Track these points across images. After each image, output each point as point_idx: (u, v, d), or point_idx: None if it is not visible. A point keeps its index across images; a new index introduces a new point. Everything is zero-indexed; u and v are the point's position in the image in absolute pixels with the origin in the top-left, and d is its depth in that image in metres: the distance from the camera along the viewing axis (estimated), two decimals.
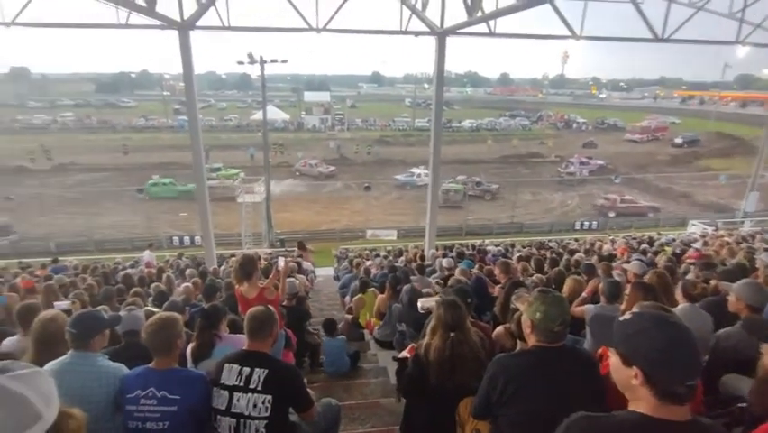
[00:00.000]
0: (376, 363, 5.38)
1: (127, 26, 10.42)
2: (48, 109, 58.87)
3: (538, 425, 1.90)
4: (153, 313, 4.16)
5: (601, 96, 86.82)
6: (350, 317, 6.55)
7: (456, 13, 10.88)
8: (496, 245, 13.10)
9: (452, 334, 2.60)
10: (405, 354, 3.26)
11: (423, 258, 10.89)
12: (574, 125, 57.66)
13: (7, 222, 22.41)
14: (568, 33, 11.45)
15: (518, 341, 3.05)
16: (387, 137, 47.80)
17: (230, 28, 10.96)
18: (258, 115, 33.93)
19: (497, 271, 5.49)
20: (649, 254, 8.31)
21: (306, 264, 11.12)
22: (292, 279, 6.50)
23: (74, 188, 29.12)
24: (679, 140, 46.06)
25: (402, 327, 5.00)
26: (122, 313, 3.64)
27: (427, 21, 11.47)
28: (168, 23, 10.45)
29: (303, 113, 55.43)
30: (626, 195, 27.44)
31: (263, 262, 8.50)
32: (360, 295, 6.23)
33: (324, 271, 14.09)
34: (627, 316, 1.33)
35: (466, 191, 26.90)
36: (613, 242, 12.77)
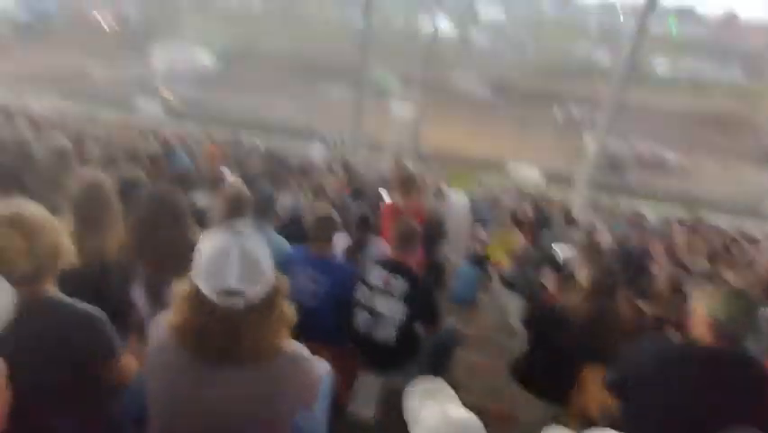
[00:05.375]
0: (497, 300, 5.37)
1: None
2: None
3: (678, 424, 1.78)
4: (313, 201, 4.68)
5: None
6: (480, 249, 6.54)
7: None
8: (657, 215, 11.51)
9: (605, 300, 2.43)
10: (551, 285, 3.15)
11: (567, 208, 10.14)
12: None
13: (200, 94, 26.46)
14: None
15: (672, 329, 2.76)
16: (560, 67, 42.96)
17: None
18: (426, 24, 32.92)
19: (657, 248, 4.87)
20: None
21: (445, 187, 11.17)
22: (432, 199, 6.62)
23: (256, 74, 32.49)
24: None
25: (533, 273, 4.84)
26: (286, 196, 4.14)
27: None
28: None
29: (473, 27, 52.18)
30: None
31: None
32: (504, 229, 6.15)
33: (460, 197, 13.99)
34: None
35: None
36: None
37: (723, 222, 12.35)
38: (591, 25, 61.71)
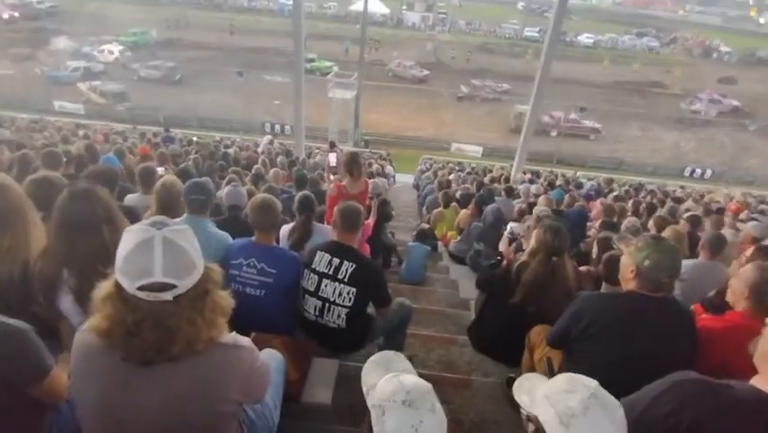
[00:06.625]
0: (446, 275, 5.51)
1: None
2: None
3: (617, 369, 1.86)
4: (254, 192, 4.53)
5: (761, 20, 67.77)
6: (426, 226, 6.66)
7: None
8: (589, 179, 12.24)
9: (554, 259, 2.55)
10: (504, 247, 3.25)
11: (507, 180, 10.54)
12: (714, 54, 47.22)
13: (123, 89, 24.56)
14: None
15: (604, 283, 2.94)
16: (489, 44, 43.99)
17: None
18: (357, 6, 32.37)
19: (596, 210, 5.17)
20: None
21: (389, 168, 11.24)
22: (376, 180, 6.63)
23: (183, 65, 30.72)
24: None
25: (480, 245, 5.01)
26: (226, 188, 3.98)
27: None
28: None
29: (404, 8, 52.10)
30: (572, 114, 24.71)
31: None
32: (441, 209, 6.25)
33: (404, 178, 14.20)
34: None
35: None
36: (731, 198, 11.30)
37: (646, 182, 13.36)
38: (518, 0, 63.50)
